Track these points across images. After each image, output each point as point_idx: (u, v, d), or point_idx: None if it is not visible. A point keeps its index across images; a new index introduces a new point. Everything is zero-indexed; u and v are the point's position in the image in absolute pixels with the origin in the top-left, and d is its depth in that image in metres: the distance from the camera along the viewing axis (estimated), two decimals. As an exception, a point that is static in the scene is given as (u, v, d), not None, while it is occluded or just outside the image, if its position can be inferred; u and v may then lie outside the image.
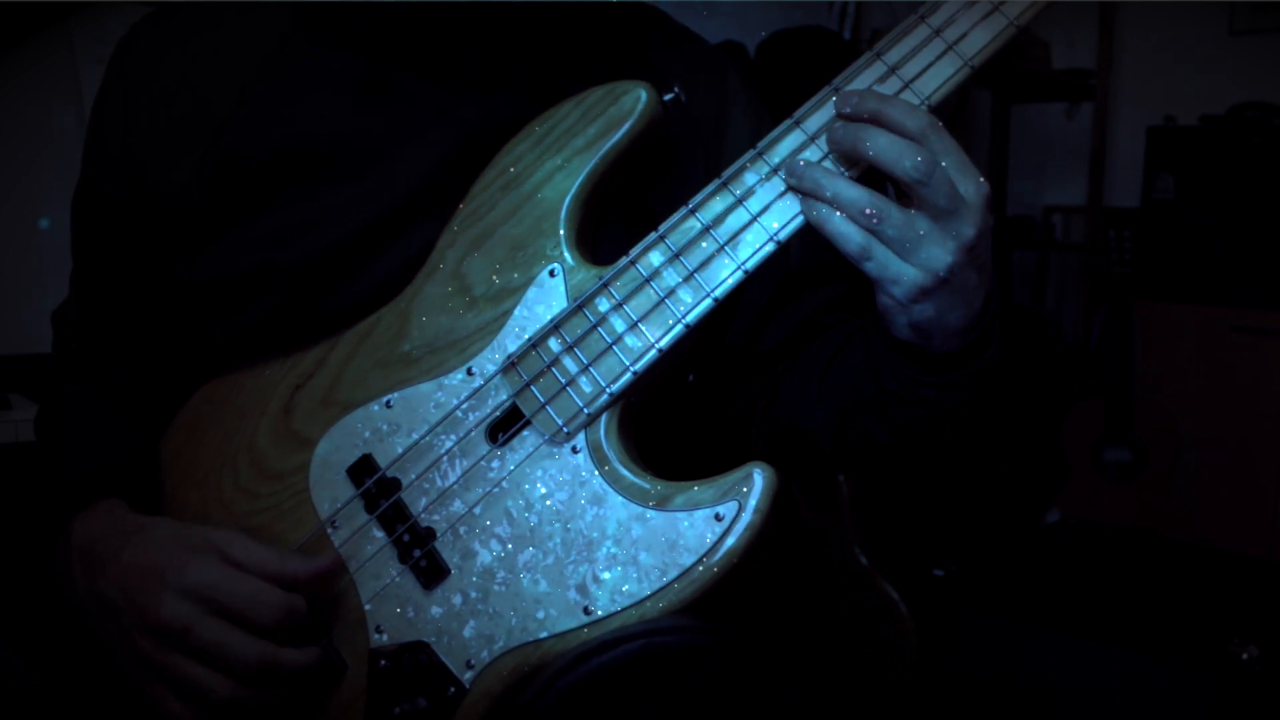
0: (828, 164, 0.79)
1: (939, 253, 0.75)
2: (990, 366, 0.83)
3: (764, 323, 0.97)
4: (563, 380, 0.81)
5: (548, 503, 0.80)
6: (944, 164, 0.74)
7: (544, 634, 0.78)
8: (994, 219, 0.77)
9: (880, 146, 0.75)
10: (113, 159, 0.91)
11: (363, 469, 0.84)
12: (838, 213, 0.77)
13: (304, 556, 0.81)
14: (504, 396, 0.82)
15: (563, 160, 0.84)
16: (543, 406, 0.81)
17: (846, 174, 0.78)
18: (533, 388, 0.82)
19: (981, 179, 0.76)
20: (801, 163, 0.79)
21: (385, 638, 0.82)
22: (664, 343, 0.80)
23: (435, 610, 0.81)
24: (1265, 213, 2.90)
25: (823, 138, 0.80)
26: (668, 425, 0.92)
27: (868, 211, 0.75)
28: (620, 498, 0.79)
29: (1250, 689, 1.64)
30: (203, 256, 0.88)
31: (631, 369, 0.80)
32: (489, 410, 0.82)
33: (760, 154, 0.80)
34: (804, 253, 0.97)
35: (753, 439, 1.00)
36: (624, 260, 0.82)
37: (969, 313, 0.78)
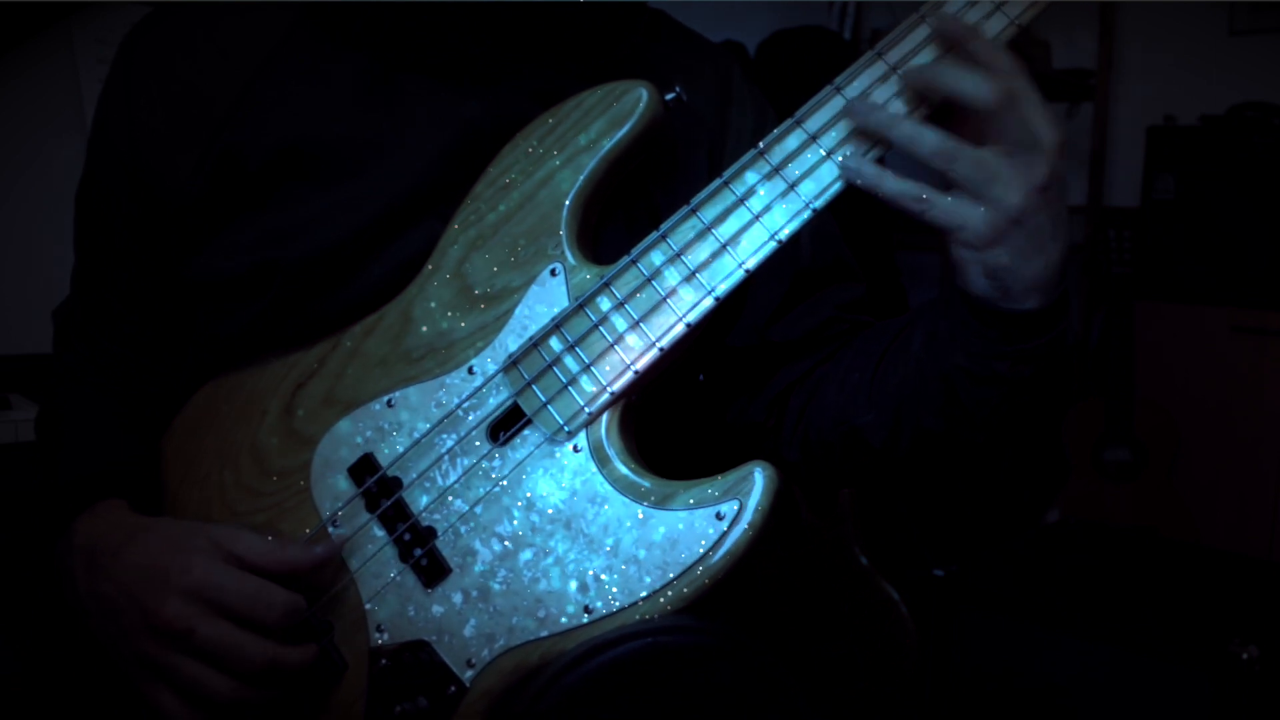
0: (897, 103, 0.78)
1: (1010, 192, 0.74)
2: (1064, 339, 0.80)
3: (777, 319, 0.96)
4: (564, 379, 0.81)
5: (549, 501, 0.80)
6: (1024, 100, 0.74)
7: (545, 633, 0.78)
8: (1065, 171, 0.75)
9: (959, 76, 0.74)
10: (115, 156, 0.91)
11: (364, 468, 0.84)
12: (889, 175, 0.76)
13: (303, 545, 0.81)
14: (505, 395, 0.82)
15: (564, 160, 0.84)
16: (544, 406, 0.81)
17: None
18: (534, 387, 0.82)
19: (1055, 126, 0.75)
20: (866, 104, 0.78)
21: (386, 637, 0.82)
22: (665, 342, 0.80)
23: (436, 609, 0.81)
24: (1265, 213, 2.90)
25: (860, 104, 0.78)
26: (675, 425, 0.91)
27: (937, 150, 0.74)
28: (621, 496, 0.79)
29: (1250, 689, 1.64)
30: (203, 253, 0.88)
31: (633, 368, 0.80)
32: (490, 409, 0.82)
33: (762, 153, 0.80)
34: (815, 250, 0.97)
35: (784, 442, 0.98)
36: (625, 259, 0.82)
37: (1046, 263, 0.76)
